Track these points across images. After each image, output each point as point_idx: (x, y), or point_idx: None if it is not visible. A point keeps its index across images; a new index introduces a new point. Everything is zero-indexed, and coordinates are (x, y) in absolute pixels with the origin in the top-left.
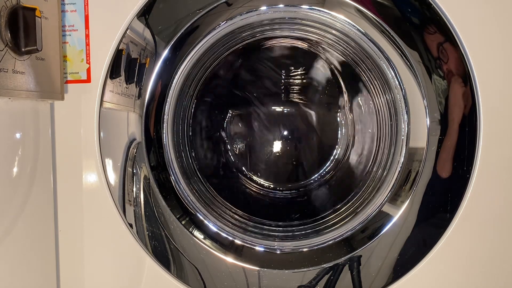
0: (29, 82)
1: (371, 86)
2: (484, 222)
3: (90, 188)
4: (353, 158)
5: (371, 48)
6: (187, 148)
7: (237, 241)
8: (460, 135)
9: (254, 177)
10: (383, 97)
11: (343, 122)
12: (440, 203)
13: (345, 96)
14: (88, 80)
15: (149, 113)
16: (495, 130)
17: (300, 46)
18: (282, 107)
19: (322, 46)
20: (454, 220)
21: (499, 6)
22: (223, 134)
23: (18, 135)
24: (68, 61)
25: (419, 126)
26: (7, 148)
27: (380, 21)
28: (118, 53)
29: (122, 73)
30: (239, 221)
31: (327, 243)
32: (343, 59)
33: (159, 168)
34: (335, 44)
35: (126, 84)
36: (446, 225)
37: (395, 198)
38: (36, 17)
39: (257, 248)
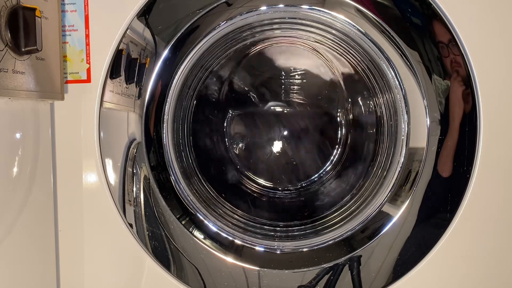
0: (29, 82)
1: (371, 86)
2: (484, 222)
3: (90, 188)
4: (353, 158)
5: (371, 48)
6: (187, 148)
7: (237, 241)
8: (461, 135)
9: (254, 177)
10: (383, 97)
11: (343, 122)
12: (440, 203)
13: (345, 96)
14: (88, 80)
15: (149, 113)
16: (495, 130)
17: (300, 46)
18: (282, 107)
19: (322, 46)
20: (454, 220)
21: (499, 6)
22: (223, 134)
23: (18, 135)
24: (68, 61)
25: (419, 126)
26: (7, 148)
27: (380, 21)
28: (118, 53)
29: (122, 73)
30: (239, 221)
31: (327, 243)
32: (343, 59)
33: (159, 168)
34: (335, 44)
35: (126, 84)
36: (446, 225)
37: (395, 198)
38: (36, 17)
39: (257, 248)
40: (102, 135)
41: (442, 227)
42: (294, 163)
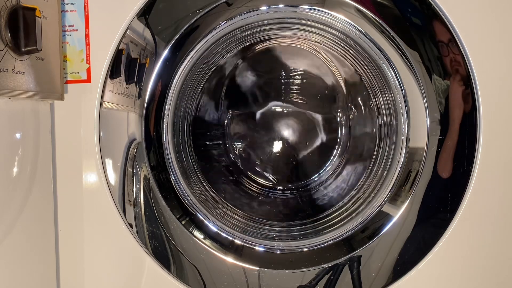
0: (29, 82)
1: (371, 86)
2: (484, 222)
3: (90, 188)
4: (353, 158)
5: (371, 48)
6: (187, 148)
7: (237, 241)
8: (461, 135)
9: (254, 177)
10: (383, 97)
11: (343, 122)
12: (440, 203)
13: (345, 96)
14: (88, 80)
15: (149, 113)
16: (495, 130)
17: (300, 46)
18: (282, 107)
19: (322, 46)
20: (454, 220)
21: (499, 6)
22: (223, 134)
23: (18, 135)
24: (68, 61)
25: (419, 126)
26: (7, 148)
27: (380, 21)
28: (118, 53)
29: (122, 73)
30: (239, 221)
31: (327, 243)
32: (343, 59)
33: (159, 168)
34: (335, 44)
35: (126, 84)
36: (446, 225)
37: (395, 198)
38: (36, 17)
39: (257, 248)
40: (102, 135)
41: (442, 227)
42: (294, 163)
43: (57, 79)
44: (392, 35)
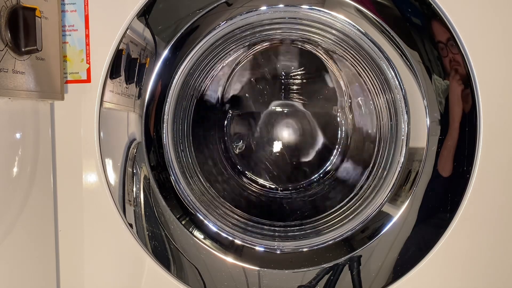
0: (29, 82)
1: (371, 86)
2: (484, 222)
3: (90, 188)
4: (353, 158)
5: (371, 48)
6: (187, 148)
7: (237, 241)
8: (461, 135)
9: (254, 177)
10: (383, 97)
11: (343, 122)
12: (440, 203)
13: (345, 96)
14: (88, 80)
15: (149, 113)
16: (495, 130)
17: (300, 46)
18: (282, 107)
19: (322, 46)
20: (454, 220)
21: (499, 6)
22: (223, 134)
23: (18, 135)
24: (68, 61)
25: (419, 126)
26: (7, 148)
27: (380, 21)
28: (118, 53)
29: (122, 73)
30: (239, 221)
31: (327, 243)
32: (343, 59)
33: (159, 168)
34: (335, 44)
35: (126, 84)
36: (446, 225)
37: (395, 198)
38: (36, 17)
39: (257, 248)
40: (102, 135)
41: (442, 227)
42: (294, 163)
43: (57, 79)
44: (392, 35)
